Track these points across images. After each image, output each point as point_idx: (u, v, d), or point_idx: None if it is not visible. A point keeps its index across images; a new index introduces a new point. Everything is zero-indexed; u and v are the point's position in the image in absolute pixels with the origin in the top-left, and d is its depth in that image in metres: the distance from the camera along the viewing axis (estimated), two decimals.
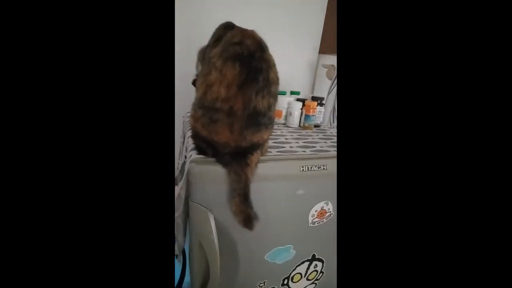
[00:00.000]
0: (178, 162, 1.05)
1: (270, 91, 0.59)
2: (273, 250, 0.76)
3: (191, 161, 0.61)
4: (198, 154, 0.65)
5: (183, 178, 0.63)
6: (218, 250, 0.63)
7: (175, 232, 0.69)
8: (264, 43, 0.62)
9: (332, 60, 1.38)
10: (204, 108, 0.60)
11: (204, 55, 0.75)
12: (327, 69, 1.28)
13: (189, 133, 0.70)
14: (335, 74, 1.22)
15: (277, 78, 0.62)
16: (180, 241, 0.72)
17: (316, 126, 1.10)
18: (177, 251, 0.72)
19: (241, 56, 0.57)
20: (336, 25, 1.33)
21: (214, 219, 0.63)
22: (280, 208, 0.71)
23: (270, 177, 0.66)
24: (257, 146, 0.62)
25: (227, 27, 0.70)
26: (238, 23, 0.71)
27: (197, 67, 0.84)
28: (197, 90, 0.64)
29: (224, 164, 0.62)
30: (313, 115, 1.02)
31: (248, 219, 0.62)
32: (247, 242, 0.71)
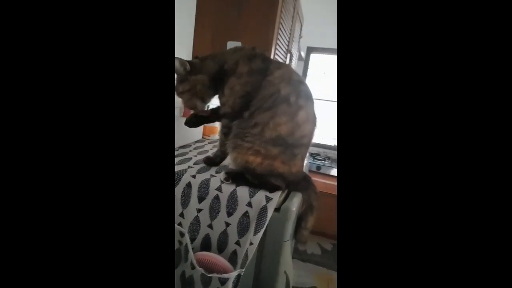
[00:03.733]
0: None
1: None
2: None
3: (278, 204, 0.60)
4: (271, 192, 0.62)
5: (262, 224, 0.60)
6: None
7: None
8: None
9: None
10: (285, 145, 0.61)
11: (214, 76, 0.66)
12: None
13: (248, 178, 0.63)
14: None
15: None
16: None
17: None
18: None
19: (310, 94, 0.65)
20: (208, 35, 1.41)
21: None
22: None
23: None
24: None
25: (255, 56, 0.66)
26: None
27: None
28: (270, 129, 0.60)
29: (302, 189, 0.67)
30: None
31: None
32: None
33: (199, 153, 0.86)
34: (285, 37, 1.51)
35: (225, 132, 0.69)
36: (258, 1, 1.35)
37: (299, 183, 0.68)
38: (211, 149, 0.95)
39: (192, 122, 0.72)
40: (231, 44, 1.56)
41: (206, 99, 0.69)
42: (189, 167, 0.71)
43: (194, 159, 0.78)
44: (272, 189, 0.63)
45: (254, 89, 0.63)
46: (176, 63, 0.67)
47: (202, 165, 0.75)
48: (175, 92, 0.70)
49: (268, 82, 0.63)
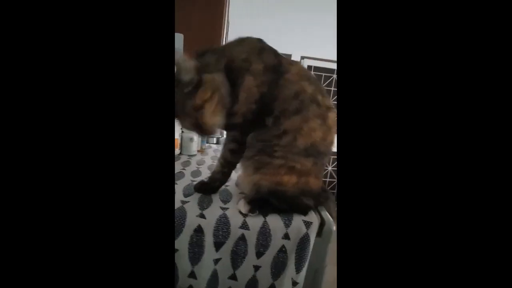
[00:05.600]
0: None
1: None
2: None
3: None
4: (305, 215, 0.51)
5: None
6: None
7: None
8: None
9: None
10: (316, 154, 0.51)
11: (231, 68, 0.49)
12: None
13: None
14: None
15: None
16: None
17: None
18: None
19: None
20: None
21: None
22: None
23: None
24: None
25: (264, 49, 0.52)
26: None
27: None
28: (303, 137, 0.49)
29: (325, 200, 0.59)
30: None
31: None
32: None
33: (176, 179, 0.65)
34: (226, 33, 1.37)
35: (233, 149, 0.53)
36: None
37: (321, 195, 0.59)
38: (183, 169, 0.73)
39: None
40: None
41: (226, 111, 0.49)
42: (183, 202, 0.51)
43: (176, 189, 0.57)
44: (305, 210, 0.52)
45: (271, 90, 0.49)
46: (180, 62, 0.44)
47: (196, 195, 0.55)
48: (182, 110, 0.47)
49: (287, 80, 0.50)
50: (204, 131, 0.50)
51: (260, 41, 0.53)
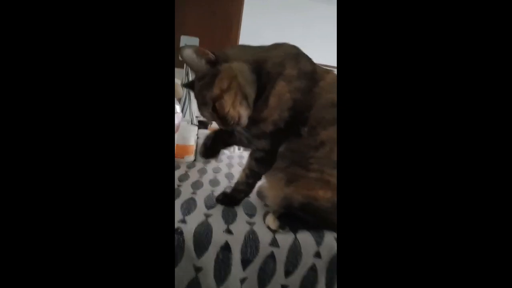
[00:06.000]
0: None
1: None
2: None
3: None
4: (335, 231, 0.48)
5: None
6: None
7: None
8: None
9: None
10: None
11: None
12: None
13: None
14: (183, 91, 1.06)
15: None
16: None
17: None
18: None
19: None
20: None
21: None
22: None
23: None
24: None
25: (300, 55, 0.50)
26: None
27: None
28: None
29: None
30: None
31: None
32: None
33: (193, 188, 0.62)
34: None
35: (261, 159, 0.50)
36: None
37: None
38: (200, 177, 0.70)
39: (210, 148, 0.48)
40: (184, 39, 1.27)
41: (250, 103, 0.46)
42: (207, 215, 0.48)
43: (197, 200, 0.54)
44: (334, 226, 0.49)
45: (306, 98, 0.47)
46: (188, 53, 0.43)
47: (219, 207, 0.52)
48: (202, 102, 0.46)
49: (322, 88, 0.48)
50: (227, 123, 0.46)
51: (296, 47, 0.51)
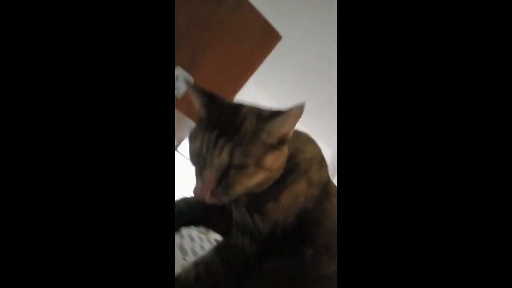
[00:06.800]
0: None
1: None
2: None
3: None
4: None
5: None
6: None
7: None
8: None
9: None
10: None
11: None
12: None
13: None
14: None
15: None
16: None
17: None
18: None
19: None
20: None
21: None
22: None
23: None
24: None
25: (324, 161, 0.48)
26: None
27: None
28: None
29: None
30: None
31: None
32: None
33: None
34: None
35: (232, 260, 0.39)
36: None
37: None
38: None
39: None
40: (177, 70, 1.23)
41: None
42: None
43: None
44: None
45: (316, 210, 0.40)
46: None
47: None
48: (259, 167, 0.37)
49: (334, 205, 0.42)
50: (221, 196, 0.36)
51: (321, 151, 0.47)
